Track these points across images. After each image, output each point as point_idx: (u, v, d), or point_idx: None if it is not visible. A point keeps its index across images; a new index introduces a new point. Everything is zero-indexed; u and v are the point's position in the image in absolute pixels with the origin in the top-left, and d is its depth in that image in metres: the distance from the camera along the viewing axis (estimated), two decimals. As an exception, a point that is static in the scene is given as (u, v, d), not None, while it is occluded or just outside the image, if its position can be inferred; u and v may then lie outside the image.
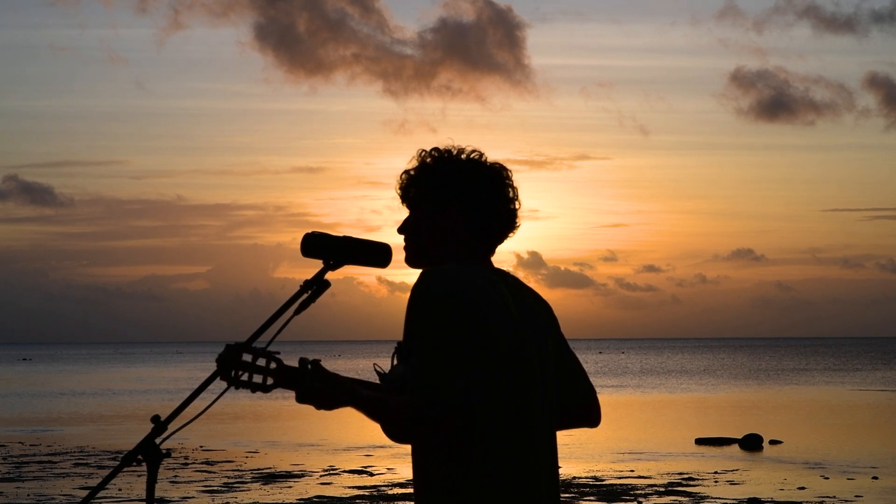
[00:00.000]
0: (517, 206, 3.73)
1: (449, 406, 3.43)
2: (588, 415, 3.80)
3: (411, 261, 3.75)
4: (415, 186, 3.71)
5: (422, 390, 3.43)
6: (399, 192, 3.74)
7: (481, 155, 3.73)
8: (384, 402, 3.51)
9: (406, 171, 3.73)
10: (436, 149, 3.73)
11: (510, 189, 3.72)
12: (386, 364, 3.76)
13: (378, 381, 3.72)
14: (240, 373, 3.58)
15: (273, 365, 3.60)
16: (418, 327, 3.48)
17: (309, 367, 3.57)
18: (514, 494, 3.53)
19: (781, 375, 75.22)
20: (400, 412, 3.46)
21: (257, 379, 3.60)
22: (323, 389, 3.53)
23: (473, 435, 3.49)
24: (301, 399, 3.57)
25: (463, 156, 3.71)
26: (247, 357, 3.60)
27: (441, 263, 3.66)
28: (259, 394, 3.67)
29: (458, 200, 3.67)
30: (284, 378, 3.59)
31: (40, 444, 30.47)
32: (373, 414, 3.51)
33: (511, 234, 3.74)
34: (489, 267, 3.68)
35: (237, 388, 3.59)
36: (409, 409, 3.44)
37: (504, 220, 3.70)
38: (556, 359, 3.73)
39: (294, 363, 3.61)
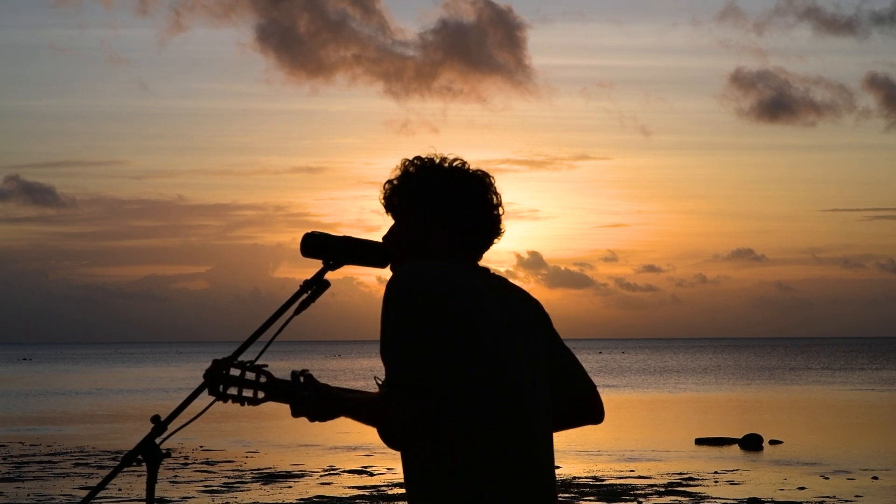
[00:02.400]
0: (501, 213, 3.74)
1: (418, 388, 3.43)
2: (589, 411, 3.78)
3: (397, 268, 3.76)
4: (398, 196, 3.72)
5: (392, 377, 3.45)
6: (383, 201, 3.76)
7: (464, 163, 3.74)
8: (367, 401, 3.53)
9: (389, 181, 3.74)
10: (418, 157, 3.73)
11: (493, 196, 3.72)
12: (371, 372, 3.76)
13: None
14: (228, 388, 3.58)
15: (263, 379, 3.60)
16: (386, 320, 3.49)
17: (301, 378, 3.57)
18: (501, 493, 3.50)
19: (781, 375, 75.22)
20: (378, 405, 3.47)
21: (247, 393, 3.60)
22: (316, 401, 3.54)
23: (453, 431, 3.48)
24: (296, 413, 3.58)
25: (445, 164, 3.72)
26: (235, 371, 3.60)
27: None
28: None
29: (442, 209, 3.68)
30: (275, 391, 3.60)
31: (40, 444, 30.47)
32: (362, 417, 3.53)
33: (496, 241, 3.75)
34: (469, 265, 3.68)
35: (225, 402, 3.59)
36: (383, 399, 3.45)
37: (488, 227, 3.71)
38: (550, 357, 3.72)
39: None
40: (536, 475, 3.57)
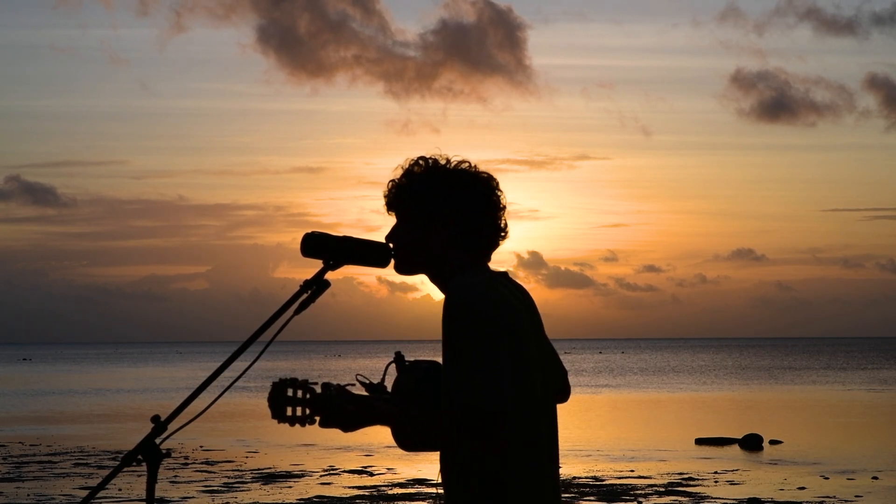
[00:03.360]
0: (504, 216, 3.75)
1: (501, 413, 3.46)
2: (565, 393, 3.91)
3: (399, 268, 3.77)
4: (402, 196, 3.73)
5: (474, 400, 3.46)
6: (386, 201, 3.75)
7: (470, 164, 3.75)
8: (419, 416, 3.55)
9: (393, 181, 3.75)
10: (423, 157, 3.74)
11: (498, 198, 3.74)
12: (370, 372, 3.77)
13: (365, 392, 3.74)
14: (294, 409, 3.58)
15: (308, 395, 3.61)
16: (461, 338, 3.50)
17: (332, 391, 3.59)
18: (542, 489, 3.65)
19: (781, 375, 75.20)
20: (442, 423, 3.49)
21: (299, 412, 3.60)
22: (354, 412, 3.57)
23: (518, 438, 3.58)
24: (325, 424, 3.59)
25: (450, 165, 3.72)
26: (289, 391, 3.60)
27: (429, 271, 3.71)
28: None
29: (445, 209, 3.69)
30: (320, 408, 3.60)
31: (40, 444, 30.46)
32: (404, 428, 3.54)
33: (500, 243, 3.76)
34: (499, 275, 3.73)
35: (292, 425, 3.59)
36: (454, 420, 3.47)
37: (491, 229, 3.73)
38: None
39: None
40: (558, 483, 3.75)
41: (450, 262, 3.71)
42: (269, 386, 3.63)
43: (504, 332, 3.52)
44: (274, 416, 3.56)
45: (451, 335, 3.52)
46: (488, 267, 3.73)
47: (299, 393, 3.57)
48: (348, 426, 3.59)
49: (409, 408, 3.62)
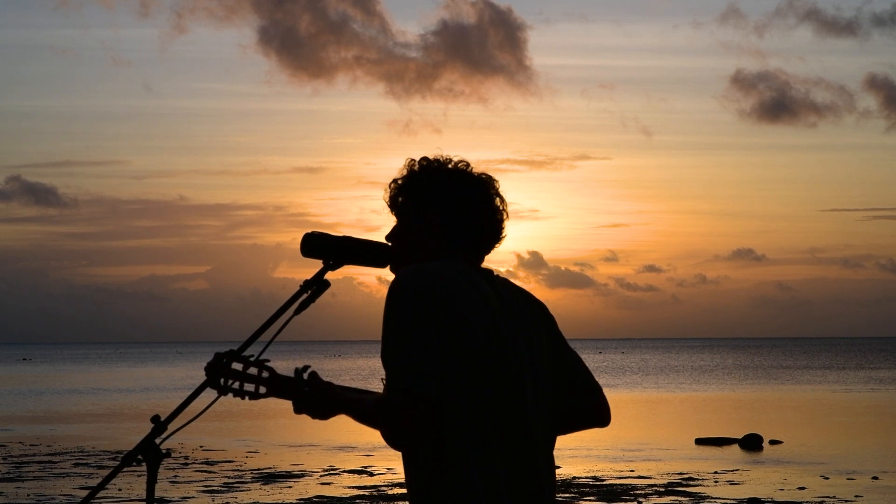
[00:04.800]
0: (503, 217, 3.74)
1: (420, 396, 3.41)
2: (596, 413, 3.78)
3: (398, 268, 3.76)
4: (402, 195, 3.73)
5: (393, 382, 3.43)
6: (387, 200, 3.76)
7: (468, 165, 3.74)
8: (364, 402, 3.54)
9: (394, 180, 3.75)
10: (424, 158, 3.75)
11: (496, 199, 3.73)
12: (369, 372, 3.78)
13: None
14: (230, 381, 3.59)
15: (265, 374, 3.61)
16: (388, 321, 3.48)
17: (304, 375, 3.58)
18: (502, 495, 3.50)
19: (781, 375, 75.21)
20: (376, 408, 3.47)
21: (249, 388, 3.61)
22: (318, 398, 3.56)
23: (452, 432, 3.48)
24: (298, 410, 3.61)
25: (450, 165, 3.73)
26: (238, 366, 3.61)
27: None
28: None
29: (444, 210, 3.68)
30: (277, 387, 3.61)
31: (40, 444, 30.47)
32: (361, 417, 3.54)
33: (497, 245, 3.75)
34: (472, 266, 3.68)
35: (225, 395, 3.61)
36: (383, 404, 3.44)
37: (489, 230, 3.71)
38: (555, 359, 3.72)
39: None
40: (535, 478, 3.57)
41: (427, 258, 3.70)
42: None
43: (434, 318, 3.45)
44: (211, 386, 3.57)
45: (383, 319, 3.50)
46: (462, 260, 3.66)
47: (253, 370, 3.59)
48: (317, 413, 3.59)
49: (369, 394, 3.62)
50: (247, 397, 3.61)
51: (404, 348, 3.44)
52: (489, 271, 3.70)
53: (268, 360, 3.62)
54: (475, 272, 3.64)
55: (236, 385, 3.59)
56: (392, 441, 3.47)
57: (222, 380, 3.58)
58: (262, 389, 3.61)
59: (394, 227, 3.76)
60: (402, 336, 3.45)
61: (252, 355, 3.61)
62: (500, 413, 3.54)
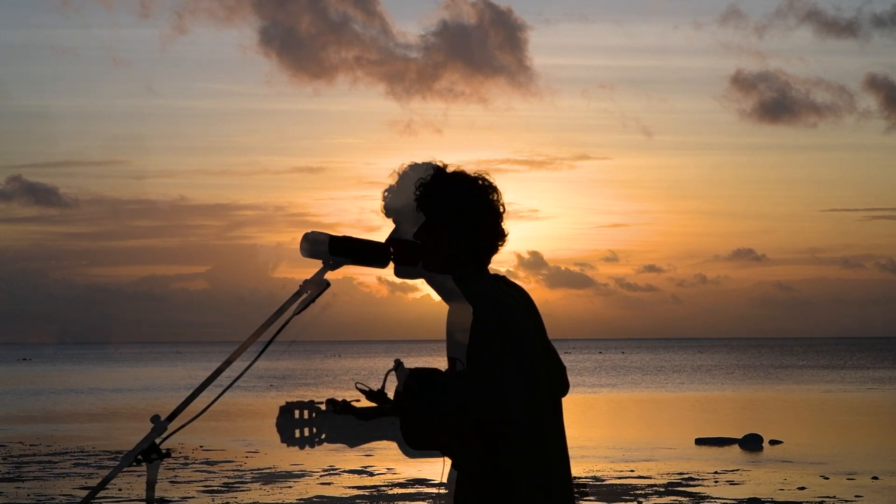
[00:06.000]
0: (503, 222, 3.77)
1: (512, 420, 3.53)
2: (563, 388, 3.92)
3: (398, 272, 3.78)
4: (398, 201, 3.74)
5: (485, 409, 3.51)
6: (383, 206, 3.77)
7: (464, 171, 3.76)
8: (425, 426, 3.59)
9: (390, 188, 3.76)
10: (424, 163, 3.75)
11: (494, 204, 3.76)
12: (369, 372, 3.78)
13: (365, 399, 3.75)
14: (302, 431, 3.59)
15: (314, 415, 3.61)
16: (475, 350, 3.54)
17: (337, 408, 3.62)
18: (549, 490, 3.64)
19: (781, 375, 75.21)
20: (455, 431, 3.53)
21: (307, 432, 3.61)
22: (358, 427, 3.62)
23: (508, 446, 3.59)
24: (332, 440, 3.64)
25: (447, 171, 3.74)
26: (296, 412, 3.61)
27: (428, 276, 3.73)
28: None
29: (442, 215, 3.70)
30: (323, 423, 3.63)
31: (40, 444, 30.47)
32: (411, 439, 3.60)
33: (500, 249, 3.79)
34: (496, 278, 3.75)
35: (301, 447, 3.60)
36: (467, 428, 3.52)
37: (489, 235, 3.74)
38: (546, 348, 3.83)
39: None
40: (569, 474, 3.74)
41: (450, 267, 3.72)
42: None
43: (510, 339, 3.56)
44: (283, 441, 3.57)
45: (469, 344, 3.56)
46: (487, 271, 3.75)
47: (305, 413, 3.59)
48: (354, 441, 3.64)
49: (412, 419, 3.64)
50: (315, 445, 3.59)
51: (492, 375, 3.53)
52: (504, 278, 3.78)
53: (321, 402, 3.63)
54: (506, 283, 3.74)
55: (306, 433, 3.57)
56: (465, 457, 3.56)
57: (297, 432, 3.57)
58: (324, 435, 3.59)
59: (392, 233, 3.78)
60: (489, 363, 3.53)
61: (310, 401, 3.62)
62: (553, 413, 3.70)
